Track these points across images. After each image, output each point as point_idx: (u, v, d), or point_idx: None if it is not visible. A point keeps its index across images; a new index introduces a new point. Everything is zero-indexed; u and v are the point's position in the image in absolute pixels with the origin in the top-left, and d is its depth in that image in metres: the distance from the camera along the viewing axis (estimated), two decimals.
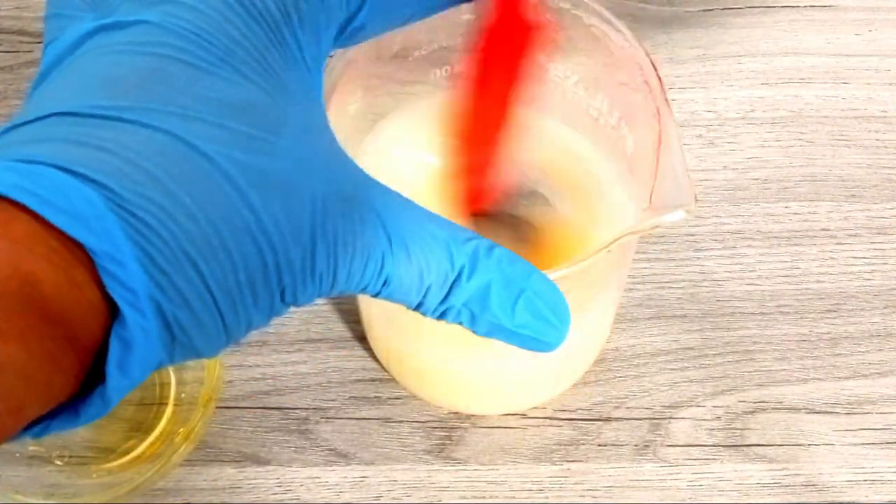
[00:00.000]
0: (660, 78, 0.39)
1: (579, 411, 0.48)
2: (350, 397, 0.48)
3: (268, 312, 0.26)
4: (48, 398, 0.23)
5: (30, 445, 0.46)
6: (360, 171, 0.27)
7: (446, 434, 0.47)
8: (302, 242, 0.25)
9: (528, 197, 0.45)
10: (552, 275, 0.37)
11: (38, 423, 0.24)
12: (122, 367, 0.23)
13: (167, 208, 0.23)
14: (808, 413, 0.48)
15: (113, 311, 0.23)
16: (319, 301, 0.50)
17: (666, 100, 0.38)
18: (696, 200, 0.36)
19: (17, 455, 0.46)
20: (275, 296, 0.25)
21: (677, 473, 0.46)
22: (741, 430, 0.47)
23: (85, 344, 0.23)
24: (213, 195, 0.24)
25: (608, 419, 0.48)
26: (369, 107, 0.45)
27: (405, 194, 0.28)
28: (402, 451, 0.47)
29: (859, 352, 0.49)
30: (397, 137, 0.45)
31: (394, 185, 0.28)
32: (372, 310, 0.46)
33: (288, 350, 0.49)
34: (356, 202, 0.26)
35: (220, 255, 0.24)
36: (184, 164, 0.24)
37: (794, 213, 0.53)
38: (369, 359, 0.49)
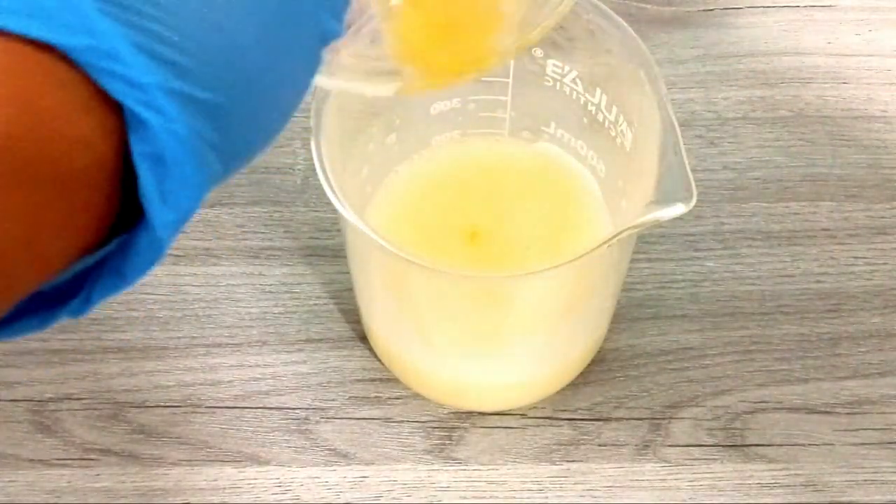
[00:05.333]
0: (658, 72, 0.39)
1: (579, 411, 0.48)
2: (350, 397, 0.48)
3: (310, 58, 0.22)
4: (41, 262, 0.18)
5: None
6: None
7: (446, 434, 0.47)
8: None
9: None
10: (551, 269, 0.37)
11: (75, 294, 0.20)
12: (162, 193, 0.19)
13: None
14: (808, 413, 0.48)
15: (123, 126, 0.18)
16: (319, 301, 0.50)
17: (665, 94, 0.38)
18: (696, 195, 0.36)
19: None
20: (314, 36, 0.21)
21: (677, 473, 0.46)
22: (741, 430, 0.47)
23: (89, 179, 0.18)
24: None
25: (608, 419, 0.48)
26: (368, 106, 0.45)
27: None
28: (402, 451, 0.47)
29: (859, 352, 0.49)
30: None
31: None
32: (372, 309, 0.46)
33: (288, 350, 0.49)
34: None
35: (243, 1, 0.19)
36: None
37: (794, 213, 0.53)
38: (369, 359, 0.49)
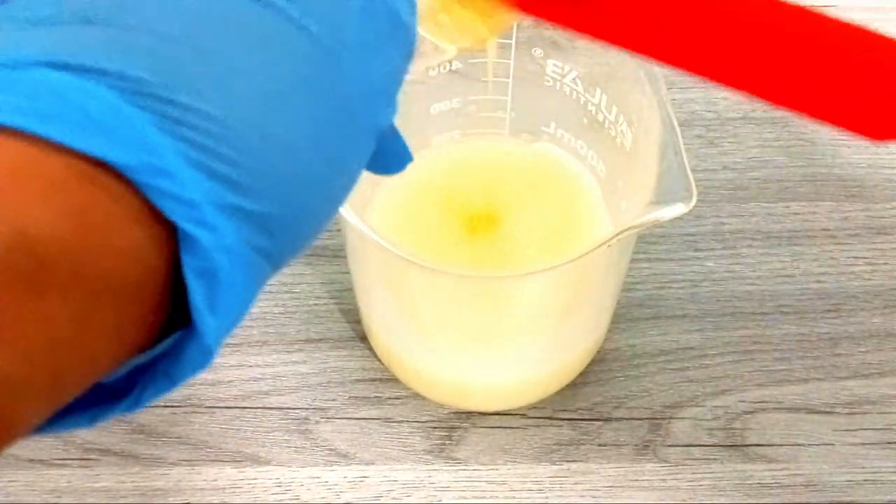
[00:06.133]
0: (658, 72, 0.39)
1: (579, 411, 0.48)
2: (350, 397, 0.48)
3: (364, 148, 0.21)
4: (90, 364, 0.18)
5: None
6: None
7: (446, 434, 0.47)
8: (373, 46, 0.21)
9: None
10: (552, 269, 0.37)
11: (128, 391, 0.20)
12: (212, 305, 0.19)
13: (213, 76, 0.18)
14: (808, 413, 0.48)
15: (174, 237, 0.18)
16: (319, 301, 0.50)
17: (665, 94, 0.38)
18: (696, 195, 0.36)
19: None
20: (370, 129, 0.21)
21: (677, 473, 0.46)
22: (741, 430, 0.47)
23: (139, 289, 0.18)
24: (266, 38, 0.19)
25: (608, 419, 0.48)
26: None
27: None
28: (402, 451, 0.47)
29: (859, 352, 0.49)
30: None
31: None
32: (372, 309, 0.46)
33: (288, 350, 0.49)
34: None
35: (296, 107, 0.19)
36: (221, 10, 0.19)
37: (794, 213, 0.53)
38: (369, 359, 0.49)
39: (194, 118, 0.18)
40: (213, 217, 0.18)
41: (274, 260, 0.20)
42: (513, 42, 0.44)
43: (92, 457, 0.47)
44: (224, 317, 0.19)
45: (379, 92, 0.22)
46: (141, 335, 0.19)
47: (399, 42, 0.22)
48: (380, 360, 0.49)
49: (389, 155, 0.27)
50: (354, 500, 0.46)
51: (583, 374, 0.48)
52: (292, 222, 0.20)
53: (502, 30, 0.34)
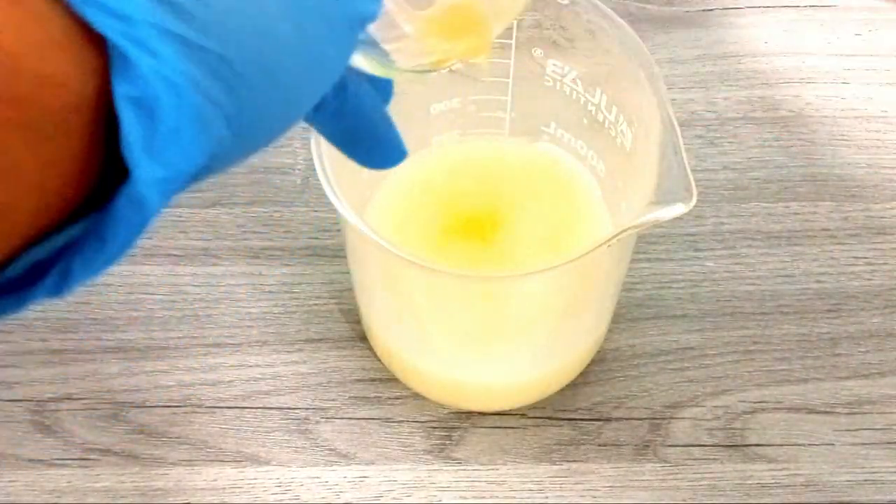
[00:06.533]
0: (658, 72, 0.39)
1: (579, 411, 0.48)
2: (350, 397, 0.48)
3: (343, 36, 0.19)
4: (7, 222, 0.16)
5: None
6: None
7: (446, 434, 0.47)
8: None
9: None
10: (552, 269, 0.37)
11: (53, 267, 0.17)
12: (149, 145, 0.16)
13: None
14: (808, 413, 0.48)
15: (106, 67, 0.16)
16: (319, 301, 0.50)
17: (665, 94, 0.38)
18: (696, 195, 0.36)
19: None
20: (349, 14, 0.19)
21: (677, 473, 0.46)
22: (741, 430, 0.47)
23: (62, 124, 0.16)
24: None
25: (608, 419, 0.48)
26: None
27: None
28: (402, 451, 0.47)
29: (859, 352, 0.49)
30: None
31: None
32: (372, 309, 0.46)
33: (288, 350, 0.49)
34: None
35: None
36: None
37: (794, 213, 0.53)
38: (369, 359, 0.49)
39: None
40: (152, 39, 0.16)
41: (232, 122, 0.17)
42: (513, 42, 0.44)
43: (92, 457, 0.47)
44: (163, 162, 0.16)
45: None
46: (66, 189, 0.16)
47: None
48: (380, 360, 0.49)
49: (383, 144, 0.27)
50: (354, 500, 0.46)
51: (583, 374, 0.48)
52: (254, 81, 0.18)
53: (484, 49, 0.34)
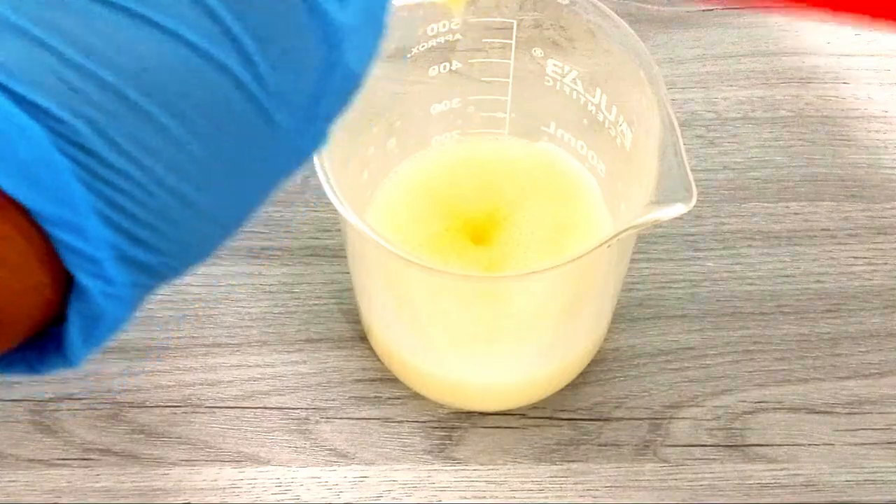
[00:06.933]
0: (658, 72, 0.39)
1: (579, 411, 0.48)
2: (350, 397, 0.48)
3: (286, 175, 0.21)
4: None
5: None
6: None
7: (446, 434, 0.47)
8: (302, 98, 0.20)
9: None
10: (552, 269, 0.37)
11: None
12: (87, 338, 0.19)
13: (148, 137, 0.17)
14: (808, 413, 0.48)
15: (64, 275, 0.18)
16: (319, 301, 0.50)
17: (665, 94, 0.38)
18: (696, 195, 0.36)
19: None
20: (294, 170, 0.21)
21: (677, 473, 0.46)
22: (741, 430, 0.47)
23: (32, 315, 0.19)
24: (214, 105, 0.18)
25: (608, 419, 0.48)
26: (368, 106, 0.45)
27: None
28: (402, 451, 0.47)
29: (859, 352, 0.49)
30: None
31: None
32: (372, 309, 0.46)
33: (288, 350, 0.49)
34: None
35: (226, 184, 0.19)
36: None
37: (794, 213, 0.53)
38: (369, 359, 0.49)
39: (117, 178, 0.17)
40: (111, 270, 0.18)
41: (156, 288, 0.20)
42: (513, 42, 0.44)
43: (92, 457, 0.47)
44: (95, 345, 0.19)
45: (314, 141, 0.21)
46: (10, 346, 0.19)
47: (349, 92, 0.21)
48: (380, 360, 0.49)
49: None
50: (354, 500, 0.46)
51: (583, 374, 0.48)
52: (188, 266, 0.20)
53: None
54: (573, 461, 0.47)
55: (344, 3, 0.20)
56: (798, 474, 0.46)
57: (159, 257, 0.19)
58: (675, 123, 0.38)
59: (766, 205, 0.53)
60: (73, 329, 0.19)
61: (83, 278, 0.18)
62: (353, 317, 0.50)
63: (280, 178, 0.21)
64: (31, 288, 0.18)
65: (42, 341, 0.20)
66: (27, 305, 0.18)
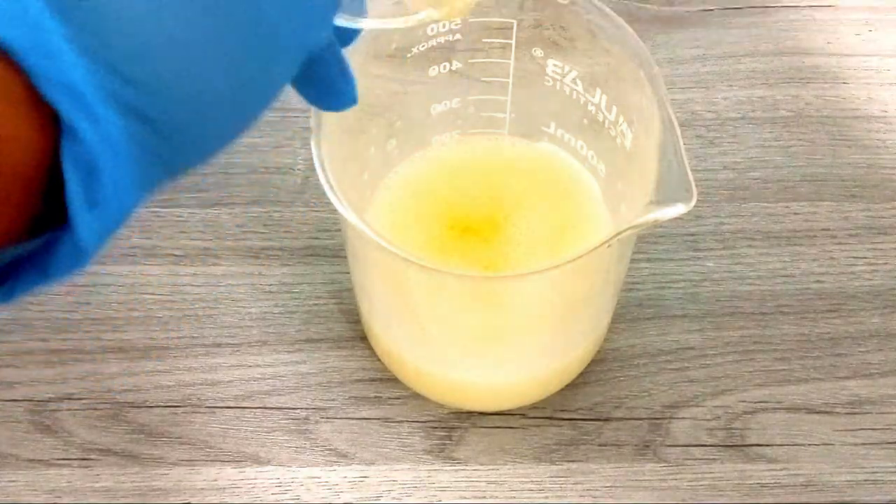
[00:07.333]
0: (658, 72, 0.39)
1: (579, 411, 0.48)
2: (350, 397, 0.48)
3: (286, 69, 0.20)
4: None
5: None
6: None
7: (446, 434, 0.47)
8: None
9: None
10: (552, 269, 0.37)
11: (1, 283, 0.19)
12: (90, 200, 0.18)
13: None
14: (808, 413, 0.48)
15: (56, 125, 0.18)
16: (319, 301, 0.50)
17: (665, 94, 0.38)
18: (696, 195, 0.36)
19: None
20: (294, 50, 0.20)
21: (677, 473, 0.46)
22: (741, 430, 0.47)
23: (19, 174, 0.17)
24: None
25: (608, 419, 0.48)
26: (368, 106, 0.45)
27: None
28: (402, 451, 0.47)
29: (859, 352, 0.49)
30: None
31: None
32: (372, 309, 0.46)
33: (288, 350, 0.49)
34: None
35: (209, 18, 0.18)
36: None
37: (794, 213, 0.53)
38: (369, 359, 0.49)
39: (90, 3, 0.17)
40: (97, 106, 0.17)
41: (168, 164, 0.19)
42: (513, 42, 0.44)
43: (92, 457, 0.47)
44: (103, 214, 0.18)
45: (308, 11, 0.21)
46: (14, 222, 0.18)
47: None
48: (380, 360, 0.49)
49: (329, 85, 0.27)
50: (354, 500, 0.46)
51: (583, 374, 0.48)
52: (190, 128, 0.19)
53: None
54: (573, 461, 0.47)
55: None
56: (798, 474, 0.46)
57: (152, 102, 0.18)
58: (675, 123, 0.38)
59: (766, 205, 0.53)
60: (72, 186, 0.18)
61: (66, 111, 0.17)
62: (353, 317, 0.50)
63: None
64: (17, 137, 0.17)
65: (51, 246, 0.19)
66: (13, 158, 0.17)
